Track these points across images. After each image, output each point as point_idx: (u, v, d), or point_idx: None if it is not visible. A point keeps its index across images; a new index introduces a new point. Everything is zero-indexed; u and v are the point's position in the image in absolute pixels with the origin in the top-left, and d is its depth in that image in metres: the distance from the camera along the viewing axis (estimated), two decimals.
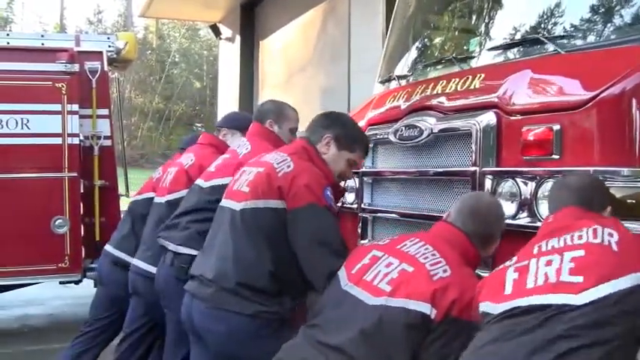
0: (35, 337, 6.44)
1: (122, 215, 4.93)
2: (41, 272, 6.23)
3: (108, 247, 4.46)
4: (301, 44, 8.82)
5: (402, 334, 2.15)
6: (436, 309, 2.14)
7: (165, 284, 3.29)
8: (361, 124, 4.04)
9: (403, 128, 3.66)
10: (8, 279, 6.18)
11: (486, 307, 2.07)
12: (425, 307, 2.15)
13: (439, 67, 4.00)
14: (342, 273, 2.49)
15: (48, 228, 6.15)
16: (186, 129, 36.76)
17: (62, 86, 6.30)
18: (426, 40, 4.53)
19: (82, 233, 6.40)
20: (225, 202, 2.89)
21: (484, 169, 3.09)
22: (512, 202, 2.91)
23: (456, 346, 2.10)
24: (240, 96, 10.38)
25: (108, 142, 6.70)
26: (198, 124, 37.97)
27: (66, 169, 6.25)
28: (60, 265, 6.22)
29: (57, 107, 6.28)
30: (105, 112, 6.74)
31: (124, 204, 7.63)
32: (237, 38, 10.59)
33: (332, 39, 7.82)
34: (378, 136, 3.98)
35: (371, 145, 3.83)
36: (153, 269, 3.54)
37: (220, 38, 11.49)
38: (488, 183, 3.07)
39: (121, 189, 7.20)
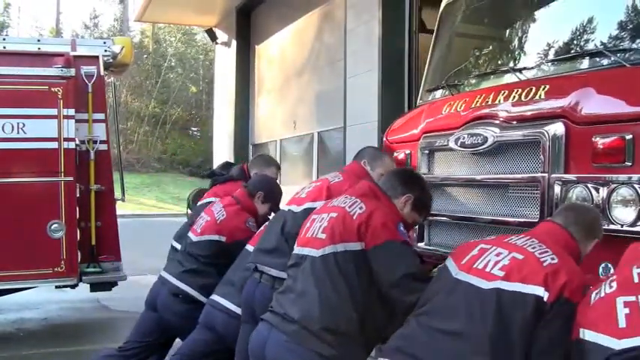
0: (31, 341, 6.43)
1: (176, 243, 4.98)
2: (37, 276, 6.22)
3: (167, 276, 4.44)
4: (297, 49, 8.84)
5: (518, 316, 2.25)
6: (548, 291, 2.25)
7: (262, 298, 3.34)
8: (415, 132, 4.34)
9: (465, 136, 3.80)
10: (4, 283, 6.17)
11: (599, 338, 2.06)
12: (538, 290, 2.25)
13: (493, 77, 4.13)
14: (450, 264, 2.58)
15: (44, 232, 6.15)
16: (182, 133, 36.79)
17: (58, 91, 6.31)
18: (478, 50, 4.61)
19: (78, 238, 6.40)
20: (302, 250, 2.97)
21: (553, 175, 3.27)
22: None
23: (567, 328, 2.21)
24: (236, 100, 10.39)
25: (104, 147, 6.70)
26: (194, 129, 37.96)
27: (62, 174, 6.26)
28: (56, 269, 6.21)
29: (53, 112, 6.28)
30: (101, 116, 6.75)
31: (119, 208, 7.65)
32: (233, 43, 10.60)
33: (328, 43, 7.84)
34: (436, 144, 4.15)
35: (427, 152, 4.16)
36: (235, 308, 3.72)
37: (216, 43, 11.50)
38: (557, 188, 3.25)
39: (117, 193, 7.20)
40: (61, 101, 6.30)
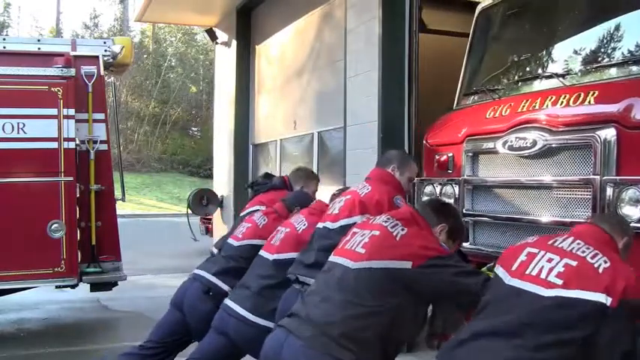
0: (31, 341, 6.43)
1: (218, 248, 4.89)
2: (37, 276, 6.23)
3: (201, 272, 4.46)
4: (297, 49, 8.84)
5: (579, 322, 2.32)
6: (611, 297, 2.32)
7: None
8: (457, 135, 4.44)
9: (513, 139, 3.91)
10: (4, 283, 6.18)
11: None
12: (601, 297, 2.32)
13: (537, 82, 4.23)
14: (500, 272, 2.63)
15: (44, 232, 6.16)
16: (182, 133, 36.80)
17: (58, 91, 6.31)
18: (518, 55, 4.70)
19: (78, 237, 6.41)
20: (336, 259, 3.03)
21: (605, 177, 3.39)
22: (636, 207, 3.23)
23: (631, 328, 2.36)
24: (236, 100, 10.38)
25: (104, 147, 6.70)
26: (194, 129, 37.96)
27: (62, 174, 6.26)
28: (56, 269, 6.22)
29: (53, 112, 6.29)
30: (101, 116, 6.75)
31: (119, 208, 7.65)
32: (233, 43, 10.60)
33: (328, 43, 7.84)
34: (482, 147, 4.24)
35: (471, 155, 4.28)
36: (246, 314, 3.78)
37: (216, 43, 11.49)
38: (609, 190, 3.37)
39: (117, 193, 7.20)
40: (61, 101, 6.30)
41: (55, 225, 6.21)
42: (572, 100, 3.68)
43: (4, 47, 6.63)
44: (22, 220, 6.16)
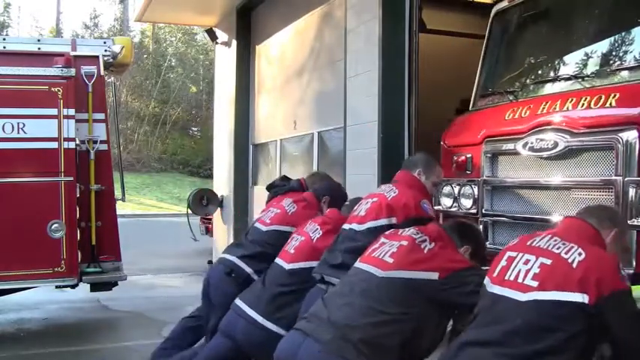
0: (31, 341, 6.43)
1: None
2: (37, 276, 6.22)
3: (226, 255, 4.55)
4: (297, 49, 8.84)
5: (560, 324, 2.33)
6: (587, 294, 2.32)
7: None
8: (476, 136, 4.50)
9: (534, 141, 3.97)
10: (4, 283, 6.18)
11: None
12: (577, 297, 2.33)
13: (556, 84, 4.28)
14: (485, 280, 2.72)
15: (44, 232, 6.16)
16: (182, 133, 36.78)
17: (58, 91, 6.31)
18: (535, 57, 4.76)
19: (78, 237, 6.41)
20: (363, 266, 3.12)
21: (627, 178, 3.45)
22: None
23: (627, 311, 2.38)
24: (236, 100, 10.38)
25: (104, 147, 6.70)
26: (194, 129, 37.95)
27: (62, 174, 6.26)
28: (56, 269, 6.21)
29: (53, 112, 6.29)
30: (101, 116, 6.76)
31: (119, 208, 7.65)
32: (233, 43, 10.59)
33: (328, 43, 7.84)
34: (502, 148, 4.31)
35: (490, 156, 4.35)
36: (256, 316, 3.83)
37: (216, 43, 11.49)
38: (631, 191, 3.44)
39: (117, 193, 7.20)
40: (61, 101, 6.30)
41: (55, 225, 6.21)
42: (592, 102, 3.73)
43: (4, 47, 6.63)
44: (22, 220, 6.16)
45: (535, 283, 2.43)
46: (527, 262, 2.53)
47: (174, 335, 4.91)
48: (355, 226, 3.68)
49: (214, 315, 4.34)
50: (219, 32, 11.30)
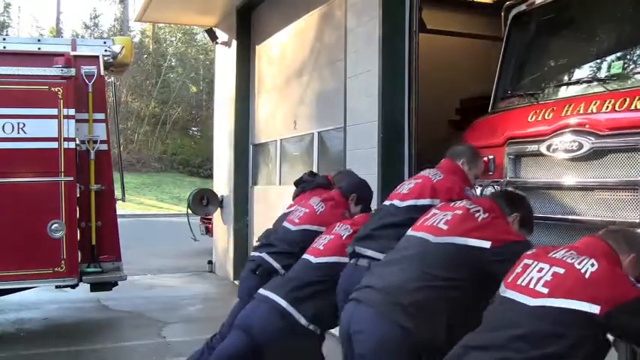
0: (31, 341, 6.44)
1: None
2: (37, 276, 6.23)
3: (256, 253, 4.57)
4: (297, 48, 8.83)
5: (565, 330, 2.34)
6: (597, 304, 2.34)
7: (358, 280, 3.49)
8: (497, 137, 4.55)
9: (558, 143, 4.02)
10: (4, 283, 6.19)
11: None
12: (585, 306, 2.34)
13: (578, 86, 4.32)
14: (501, 286, 2.73)
15: (44, 232, 6.16)
16: (182, 133, 36.79)
17: (58, 90, 6.32)
18: (555, 59, 4.81)
19: (78, 237, 6.41)
20: (416, 233, 3.23)
21: None
22: None
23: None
24: (236, 100, 10.37)
25: (104, 147, 6.71)
26: (194, 129, 37.96)
27: (62, 174, 6.27)
28: (56, 269, 6.22)
29: (53, 111, 6.30)
30: (101, 116, 6.76)
31: (119, 208, 7.65)
32: (233, 42, 10.58)
33: (328, 43, 7.83)
34: (526, 150, 4.35)
35: (512, 157, 4.41)
36: (281, 301, 3.85)
37: (216, 42, 11.48)
38: None
39: (117, 193, 7.21)
40: (62, 101, 6.31)
41: (55, 225, 6.21)
42: (617, 104, 3.79)
43: (5, 47, 6.64)
44: (22, 220, 6.17)
45: (545, 290, 2.47)
46: (540, 270, 2.57)
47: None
48: (397, 202, 3.74)
49: (241, 308, 4.36)
50: (219, 32, 11.29)
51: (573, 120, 3.99)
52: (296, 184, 5.32)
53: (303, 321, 3.78)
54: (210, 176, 17.39)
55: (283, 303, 3.84)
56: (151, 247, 14.36)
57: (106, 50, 6.90)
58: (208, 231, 12.41)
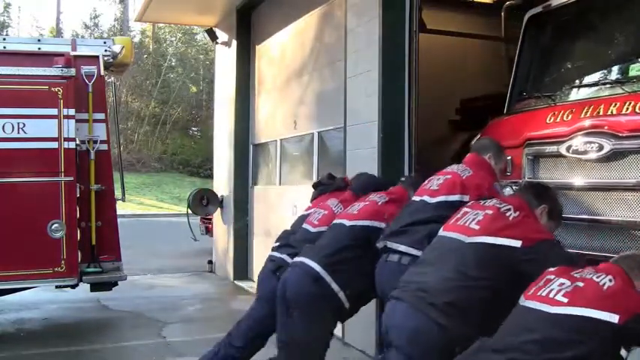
0: (31, 341, 6.44)
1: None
2: (38, 276, 6.23)
3: (277, 254, 4.61)
4: (297, 49, 8.83)
5: (583, 338, 2.39)
6: (617, 314, 2.40)
7: (391, 275, 3.60)
8: (515, 139, 4.60)
9: (578, 144, 4.07)
10: (4, 283, 6.19)
11: None
12: (605, 315, 2.41)
13: (595, 88, 4.38)
14: (520, 298, 2.78)
15: (44, 232, 6.16)
16: (182, 133, 36.79)
17: (58, 90, 6.32)
18: (572, 62, 4.89)
19: (78, 237, 6.41)
20: (448, 233, 3.30)
21: None
22: None
23: None
24: (236, 100, 10.37)
25: (104, 147, 6.71)
26: (194, 129, 37.95)
27: (62, 174, 6.27)
28: (56, 269, 6.22)
29: (53, 111, 6.30)
30: (101, 116, 6.76)
31: (119, 208, 7.65)
32: (234, 42, 10.58)
33: (328, 43, 7.83)
34: (545, 151, 4.41)
35: (531, 158, 4.46)
36: (320, 269, 3.96)
37: (216, 42, 11.47)
38: None
39: (117, 193, 7.20)
40: (62, 101, 6.31)
41: (55, 225, 6.21)
42: (637, 106, 3.84)
43: (5, 47, 6.64)
44: (22, 220, 6.17)
45: (565, 300, 2.53)
46: (561, 284, 2.63)
47: None
48: (427, 199, 3.78)
49: (261, 308, 4.47)
50: (219, 32, 11.29)
51: (593, 122, 4.05)
52: (314, 186, 5.38)
53: (335, 286, 3.91)
54: (210, 176, 17.39)
55: (317, 267, 3.96)
56: (151, 247, 14.36)
57: (106, 50, 6.89)
58: (208, 231, 12.41)
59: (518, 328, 2.56)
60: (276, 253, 4.62)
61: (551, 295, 2.58)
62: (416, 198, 3.88)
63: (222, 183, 11.09)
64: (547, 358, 2.37)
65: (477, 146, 4.18)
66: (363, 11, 6.42)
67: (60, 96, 6.31)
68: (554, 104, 4.56)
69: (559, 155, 4.26)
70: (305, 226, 4.67)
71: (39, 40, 7.82)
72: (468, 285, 3.00)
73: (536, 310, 2.57)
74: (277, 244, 4.80)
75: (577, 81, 4.66)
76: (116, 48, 6.95)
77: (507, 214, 3.17)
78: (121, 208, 10.37)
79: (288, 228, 5.06)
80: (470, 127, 8.85)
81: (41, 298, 8.03)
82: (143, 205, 26.92)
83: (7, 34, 28.09)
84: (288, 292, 3.99)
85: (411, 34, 6.00)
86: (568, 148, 4.16)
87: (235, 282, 9.93)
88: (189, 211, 11.00)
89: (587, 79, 4.59)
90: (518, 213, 3.18)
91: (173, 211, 24.87)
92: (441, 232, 3.36)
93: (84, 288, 6.75)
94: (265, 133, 9.92)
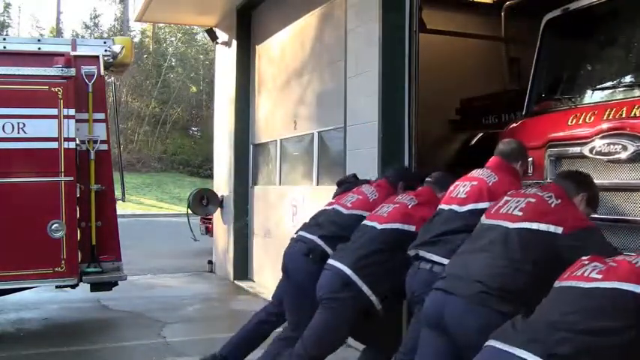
0: (31, 341, 6.43)
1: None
2: (37, 276, 6.23)
3: (306, 234, 4.67)
4: (297, 49, 8.83)
5: (616, 312, 2.45)
6: None
7: (422, 282, 3.68)
8: (539, 140, 4.66)
9: (602, 145, 4.14)
10: (4, 283, 6.18)
11: None
12: (636, 287, 2.46)
13: (616, 91, 4.44)
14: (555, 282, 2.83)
15: (44, 232, 6.16)
16: (183, 133, 36.80)
17: (58, 90, 6.32)
18: (591, 64, 4.97)
19: (78, 237, 6.41)
20: (492, 221, 3.37)
21: None
22: None
23: None
24: (236, 100, 10.37)
25: (104, 147, 6.71)
26: (194, 129, 37.97)
27: (62, 174, 6.27)
28: (56, 269, 6.22)
29: (53, 111, 6.30)
30: (101, 116, 6.76)
31: (119, 208, 7.65)
32: (234, 42, 10.58)
33: (328, 44, 7.83)
34: (566, 152, 4.49)
35: (553, 159, 4.54)
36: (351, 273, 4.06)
37: (216, 42, 11.47)
38: None
39: (117, 193, 7.20)
40: (62, 101, 6.31)
41: (55, 225, 6.21)
42: None
43: (5, 47, 6.63)
44: (22, 220, 6.17)
45: (599, 276, 2.59)
46: (595, 266, 2.68)
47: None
48: (455, 207, 3.81)
49: (296, 294, 4.54)
50: (219, 32, 11.29)
51: (616, 123, 4.10)
52: (339, 184, 5.41)
53: (365, 288, 3.99)
54: (210, 176, 17.39)
55: (348, 271, 4.03)
56: (151, 247, 14.37)
57: (106, 50, 6.89)
58: (208, 231, 12.41)
59: (555, 304, 2.61)
60: (305, 234, 4.64)
61: (585, 274, 2.64)
62: (444, 207, 3.90)
63: (222, 183, 11.10)
64: (582, 329, 2.43)
65: (500, 150, 4.18)
66: (363, 11, 6.42)
67: (60, 96, 6.31)
68: (575, 106, 4.63)
69: (582, 156, 4.32)
70: (337, 207, 4.71)
71: (39, 40, 7.82)
72: (515, 270, 3.08)
73: (571, 288, 2.62)
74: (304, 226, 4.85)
75: (598, 83, 4.72)
76: (116, 48, 6.95)
77: (549, 202, 3.24)
78: (121, 208, 10.38)
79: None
80: (470, 127, 8.88)
81: (41, 298, 8.03)
82: (143, 205, 26.93)
83: (7, 34, 28.10)
84: (320, 292, 4.13)
85: (411, 34, 6.00)
86: (591, 150, 4.22)
87: (235, 282, 9.94)
88: (189, 211, 11.00)
89: (608, 82, 4.65)
90: (559, 200, 3.25)
91: (173, 211, 24.88)
92: (484, 221, 3.43)
93: (84, 288, 6.75)
94: (265, 133, 9.92)
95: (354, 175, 5.47)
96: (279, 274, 4.86)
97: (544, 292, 2.91)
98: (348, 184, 5.25)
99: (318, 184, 7.92)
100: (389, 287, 4.05)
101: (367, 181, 5.17)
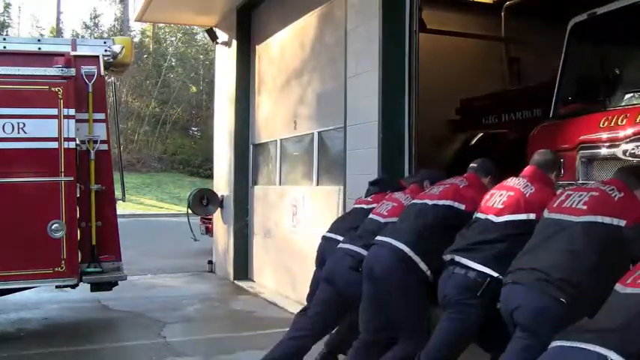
0: (31, 341, 6.43)
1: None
2: (37, 276, 6.23)
3: (351, 247, 4.70)
4: (297, 48, 8.83)
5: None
6: None
7: (455, 286, 3.77)
8: (570, 142, 4.78)
9: (635, 147, 4.26)
10: (4, 283, 6.18)
11: None
12: None
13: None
14: (617, 286, 2.86)
15: (44, 232, 6.16)
16: (182, 133, 36.80)
17: (59, 90, 6.31)
18: (620, 68, 5.03)
19: (79, 237, 6.40)
20: (555, 215, 3.44)
21: None
22: None
23: None
24: (236, 100, 10.37)
25: (104, 147, 6.70)
26: (194, 129, 37.96)
27: (62, 174, 6.26)
28: (56, 269, 6.22)
29: (53, 111, 6.29)
30: (101, 116, 6.75)
31: (119, 208, 7.65)
32: (234, 42, 10.58)
33: (328, 43, 7.83)
34: (598, 154, 4.60)
35: (585, 160, 4.64)
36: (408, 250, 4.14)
37: (216, 42, 11.47)
38: None
39: (117, 193, 7.20)
40: (62, 101, 6.30)
41: (56, 225, 6.21)
42: None
43: (5, 47, 6.62)
44: (22, 220, 6.17)
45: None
46: None
47: None
48: (492, 218, 3.83)
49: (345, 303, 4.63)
50: (219, 32, 11.29)
51: None
52: (372, 183, 5.46)
53: (422, 265, 4.08)
54: (210, 176, 17.38)
55: (404, 247, 4.11)
56: (151, 247, 14.36)
57: (106, 50, 6.88)
58: (208, 231, 12.41)
59: (614, 311, 2.62)
60: (350, 246, 4.66)
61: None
62: (480, 215, 3.94)
63: (222, 183, 11.10)
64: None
65: (537, 160, 4.14)
66: (363, 11, 6.42)
67: (60, 96, 6.31)
68: (605, 109, 4.69)
69: (615, 158, 4.40)
70: (373, 216, 4.77)
71: (39, 40, 7.82)
72: (579, 262, 3.14)
73: (635, 295, 2.62)
74: (343, 237, 4.89)
75: (628, 86, 4.79)
76: (116, 48, 6.94)
77: (613, 195, 3.31)
78: (121, 208, 10.37)
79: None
80: (470, 127, 8.89)
81: (41, 298, 8.03)
82: (143, 205, 26.92)
83: (7, 34, 28.09)
84: (376, 271, 4.18)
85: (411, 34, 6.00)
86: (624, 152, 4.31)
87: (235, 282, 9.94)
88: (190, 211, 11.00)
89: (638, 86, 4.72)
90: (622, 194, 3.31)
91: (173, 211, 24.87)
92: (547, 215, 3.48)
93: (84, 288, 6.74)
94: (265, 133, 9.92)
95: (384, 178, 5.58)
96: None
97: (603, 285, 2.96)
98: (382, 184, 5.32)
99: (318, 184, 7.92)
100: (439, 266, 4.03)
101: (399, 181, 5.27)
